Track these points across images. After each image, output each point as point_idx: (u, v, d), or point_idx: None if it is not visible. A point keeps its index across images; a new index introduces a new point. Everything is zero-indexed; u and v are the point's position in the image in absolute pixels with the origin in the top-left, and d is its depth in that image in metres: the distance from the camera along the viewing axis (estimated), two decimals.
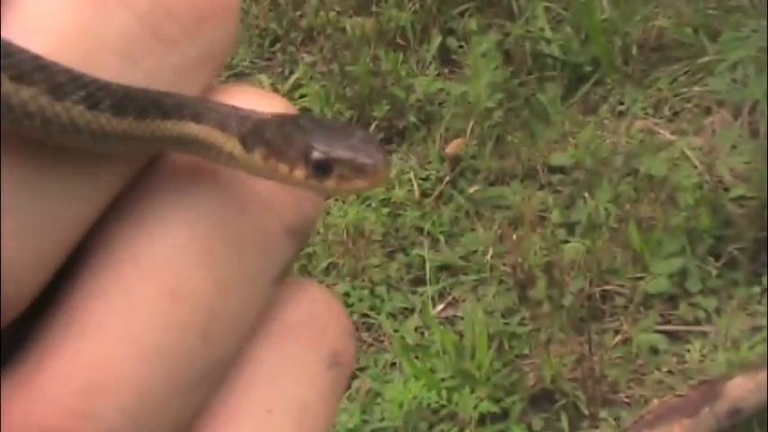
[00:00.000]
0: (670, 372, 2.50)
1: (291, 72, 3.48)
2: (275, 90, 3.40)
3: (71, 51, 0.27)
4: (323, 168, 0.28)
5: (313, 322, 0.32)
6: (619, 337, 2.57)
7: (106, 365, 0.27)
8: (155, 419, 0.28)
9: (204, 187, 0.29)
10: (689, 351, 2.51)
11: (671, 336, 2.57)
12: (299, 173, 0.29)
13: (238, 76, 3.56)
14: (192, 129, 0.28)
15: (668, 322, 2.59)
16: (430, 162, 3.08)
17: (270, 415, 0.30)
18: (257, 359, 0.31)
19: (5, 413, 0.26)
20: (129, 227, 0.28)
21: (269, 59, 3.62)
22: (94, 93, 0.27)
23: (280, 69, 3.54)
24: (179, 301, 0.28)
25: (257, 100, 0.31)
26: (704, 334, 2.55)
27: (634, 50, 3.18)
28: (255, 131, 0.28)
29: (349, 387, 2.54)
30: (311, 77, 3.41)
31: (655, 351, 2.54)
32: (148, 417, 0.27)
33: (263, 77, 3.48)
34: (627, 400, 2.46)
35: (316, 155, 0.28)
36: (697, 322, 2.58)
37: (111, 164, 0.28)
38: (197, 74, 0.29)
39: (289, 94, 3.39)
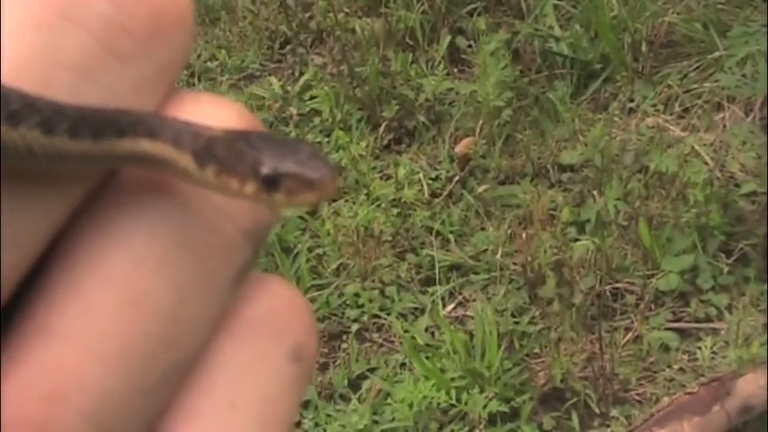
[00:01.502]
0: (681, 369, 2.49)
1: (301, 74, 3.48)
2: (285, 92, 3.41)
3: (30, 74, 0.28)
4: (271, 183, 0.29)
5: (275, 317, 0.32)
6: (629, 335, 2.56)
7: (67, 373, 0.27)
8: (117, 423, 0.28)
9: (161, 198, 0.30)
10: (700, 348, 2.50)
11: (682, 333, 2.56)
12: (250, 188, 0.29)
13: (249, 78, 3.57)
14: (146, 146, 0.29)
15: (679, 320, 2.58)
16: (440, 162, 3.08)
17: (233, 409, 0.31)
18: (219, 355, 0.31)
19: None
20: (88, 238, 0.29)
21: (279, 61, 3.62)
22: (50, 117, 0.27)
23: (290, 71, 3.55)
24: (138, 308, 0.29)
25: (211, 107, 0.31)
26: (715, 331, 2.54)
27: (644, 47, 3.17)
28: (208, 148, 0.29)
29: (359, 387, 2.55)
30: (321, 79, 3.41)
31: (666, 349, 2.53)
32: (111, 421, 0.28)
33: (272, 79, 3.49)
34: (638, 398, 2.46)
35: (264, 170, 0.29)
36: (708, 319, 2.56)
37: (69, 181, 0.29)
38: (154, 87, 0.30)
39: (299, 96, 3.40)
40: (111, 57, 0.29)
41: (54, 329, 0.28)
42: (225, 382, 0.31)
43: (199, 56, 3.67)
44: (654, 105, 3.06)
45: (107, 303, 0.28)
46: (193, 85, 3.54)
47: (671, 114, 3.04)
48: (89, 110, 0.28)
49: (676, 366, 2.49)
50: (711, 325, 2.55)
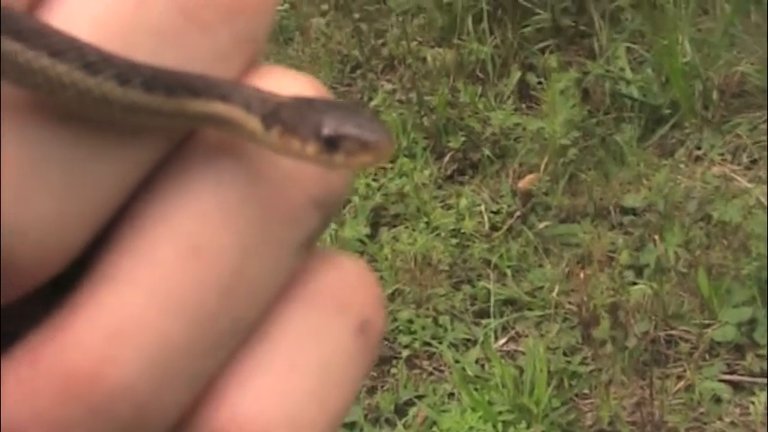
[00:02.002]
0: (732, 423, 2.46)
1: (370, 99, 3.52)
2: None
3: (113, 35, 0.29)
4: (331, 144, 0.31)
5: (342, 290, 0.33)
6: (681, 384, 2.53)
7: (131, 315, 0.29)
8: (175, 368, 0.30)
9: (232, 159, 0.31)
10: (753, 403, 2.47)
11: (735, 386, 2.53)
12: (311, 148, 0.31)
13: None
14: (218, 108, 0.31)
15: (733, 372, 2.56)
16: (502, 196, 3.09)
17: (293, 372, 0.32)
18: (283, 322, 0.32)
19: (37, 360, 0.29)
20: (160, 191, 0.30)
21: (348, 85, 3.67)
22: (125, 71, 0.29)
23: (359, 95, 3.59)
24: (203, 259, 0.30)
25: (288, 80, 0.33)
26: None
27: (714, 95, 3.16)
28: (274, 112, 0.31)
29: (405, 413, 2.55)
30: (389, 105, 3.45)
31: (718, 400, 2.50)
32: (169, 366, 0.29)
33: None
34: None
35: (325, 131, 0.31)
36: (763, 374, 2.53)
37: (148, 137, 0.30)
38: (231, 58, 0.31)
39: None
40: (193, 25, 0.30)
41: (121, 274, 0.29)
42: (286, 347, 0.32)
43: None
44: (721, 154, 3.05)
45: (171, 253, 0.30)
46: None
47: (738, 164, 3.02)
48: (164, 70, 0.30)
49: (728, 419, 2.46)
50: (766, 380, 2.52)
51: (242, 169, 0.31)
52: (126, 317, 0.29)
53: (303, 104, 0.31)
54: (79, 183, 0.29)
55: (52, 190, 0.28)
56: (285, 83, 0.32)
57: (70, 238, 0.29)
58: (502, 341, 2.73)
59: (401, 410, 2.58)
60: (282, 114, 0.31)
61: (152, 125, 0.30)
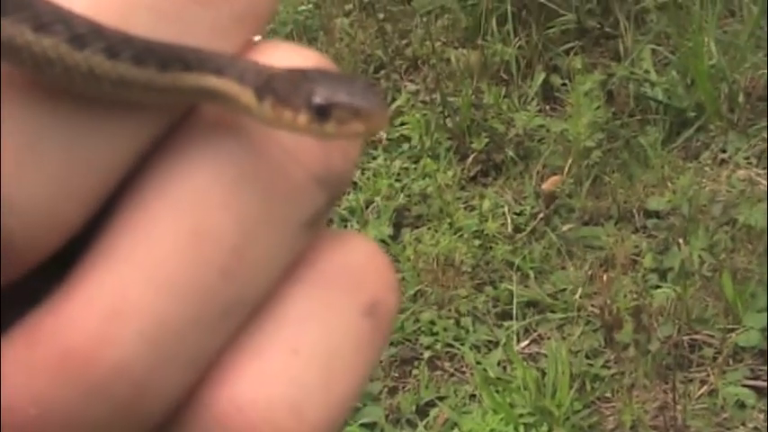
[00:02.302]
0: (756, 429, 2.45)
1: (394, 99, 3.52)
2: None
3: (110, 9, 0.29)
4: (323, 112, 0.30)
5: (350, 270, 0.32)
6: (704, 389, 2.52)
7: (129, 294, 0.29)
8: (173, 349, 0.29)
9: (232, 136, 0.31)
10: None
11: (759, 391, 2.51)
12: (302, 118, 0.30)
13: None
14: (212, 81, 0.30)
15: (757, 377, 2.54)
16: (525, 197, 3.09)
17: (296, 355, 0.31)
18: (288, 302, 0.31)
19: (35, 341, 0.28)
20: (159, 169, 0.30)
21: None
22: (115, 44, 0.28)
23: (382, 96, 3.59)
24: (202, 238, 0.29)
25: (290, 54, 0.32)
26: None
27: (740, 98, 3.14)
28: (267, 83, 0.30)
29: (426, 415, 2.55)
30: (413, 106, 3.44)
31: (741, 405, 2.49)
32: (167, 345, 0.29)
33: None
34: None
35: (316, 100, 0.30)
36: None
37: (145, 113, 0.30)
38: (231, 34, 0.31)
39: (390, 121, 3.43)
40: (192, 0, 0.30)
41: (118, 253, 0.29)
42: (290, 329, 0.31)
43: None
44: (747, 158, 3.03)
45: (170, 231, 0.29)
46: None
47: (763, 168, 3.00)
48: (158, 43, 0.29)
49: (751, 425, 2.45)
50: None
51: (241, 146, 0.30)
52: (124, 296, 0.29)
53: (296, 75, 0.30)
54: (75, 160, 0.28)
55: (49, 168, 0.28)
56: (288, 57, 0.32)
57: (68, 216, 0.29)
58: (524, 343, 2.72)
59: (422, 411, 2.58)
60: (275, 85, 0.30)
61: (146, 101, 0.30)
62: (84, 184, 0.29)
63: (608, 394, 2.55)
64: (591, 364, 2.60)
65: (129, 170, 0.30)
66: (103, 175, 0.29)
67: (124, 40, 0.29)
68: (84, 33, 0.28)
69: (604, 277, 2.73)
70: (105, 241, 0.29)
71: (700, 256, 2.72)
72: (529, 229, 2.98)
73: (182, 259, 0.29)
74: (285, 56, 0.32)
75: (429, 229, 3.03)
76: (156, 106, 0.30)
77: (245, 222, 0.30)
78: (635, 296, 2.68)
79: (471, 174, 3.20)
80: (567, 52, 3.43)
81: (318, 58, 0.32)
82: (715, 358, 2.57)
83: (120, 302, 0.28)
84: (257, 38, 0.33)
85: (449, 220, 3.01)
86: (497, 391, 2.52)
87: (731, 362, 2.57)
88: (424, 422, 2.55)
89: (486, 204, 3.03)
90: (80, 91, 0.29)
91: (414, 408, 2.58)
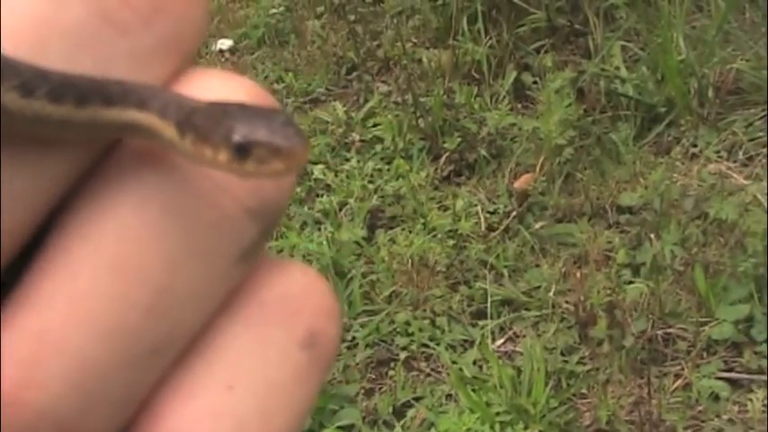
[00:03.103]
0: (731, 420, 2.46)
1: (366, 101, 3.52)
2: (349, 118, 3.45)
3: (23, 40, 0.28)
4: (242, 151, 0.29)
5: (287, 301, 0.31)
6: (679, 382, 2.53)
7: (49, 337, 0.28)
8: (100, 390, 0.28)
9: (157, 170, 0.30)
10: (751, 400, 2.47)
11: (733, 383, 2.53)
12: (222, 156, 0.29)
13: (314, 101, 3.62)
14: (134, 116, 0.29)
15: (731, 370, 2.55)
16: (498, 196, 3.09)
17: (231, 392, 0.30)
18: (223, 337, 0.31)
19: None
20: (82, 205, 0.29)
21: (345, 87, 3.67)
22: (30, 80, 0.28)
23: (355, 97, 3.59)
24: (123, 276, 0.29)
25: (220, 83, 0.31)
26: None
27: (710, 93, 3.16)
28: (189, 118, 0.29)
29: (403, 416, 2.55)
30: (385, 107, 3.45)
31: (716, 398, 2.50)
32: (93, 387, 0.28)
33: (337, 104, 3.53)
34: None
35: (235, 138, 0.29)
36: (761, 371, 2.53)
37: (65, 150, 0.29)
38: (154, 62, 0.30)
39: (362, 122, 3.43)
40: (109, 27, 0.29)
41: (39, 294, 0.28)
42: (224, 364, 0.30)
43: (266, 77, 3.73)
44: (717, 152, 3.04)
45: (91, 270, 0.28)
46: None
47: (734, 162, 3.02)
48: (76, 77, 0.28)
49: (726, 417, 2.46)
50: (764, 377, 2.52)
51: (167, 180, 0.30)
52: (44, 340, 0.28)
53: (217, 109, 0.30)
54: None
55: None
56: (216, 86, 0.31)
57: None
58: (499, 342, 2.73)
59: (399, 412, 2.58)
60: (196, 121, 0.29)
61: (65, 137, 0.29)
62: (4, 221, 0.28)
63: (584, 390, 2.56)
64: (566, 361, 2.60)
65: (51, 208, 0.29)
66: (18, 216, 0.28)
67: (40, 75, 0.28)
68: None
69: (578, 274, 2.74)
70: (27, 283, 0.29)
71: (672, 251, 2.73)
72: (502, 227, 2.99)
73: (104, 299, 0.28)
74: (212, 85, 0.31)
75: (403, 229, 3.03)
76: (77, 142, 0.29)
77: (171, 258, 0.29)
78: (608, 292, 2.69)
79: (444, 174, 3.20)
80: (537, 50, 3.44)
81: (247, 85, 0.31)
82: (689, 352, 2.58)
83: (40, 347, 0.28)
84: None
85: (422, 221, 3.01)
86: (474, 390, 2.52)
87: (705, 355, 2.58)
88: (402, 423, 2.55)
89: (460, 204, 3.04)
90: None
91: (391, 409, 2.58)
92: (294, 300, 0.32)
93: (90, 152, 0.30)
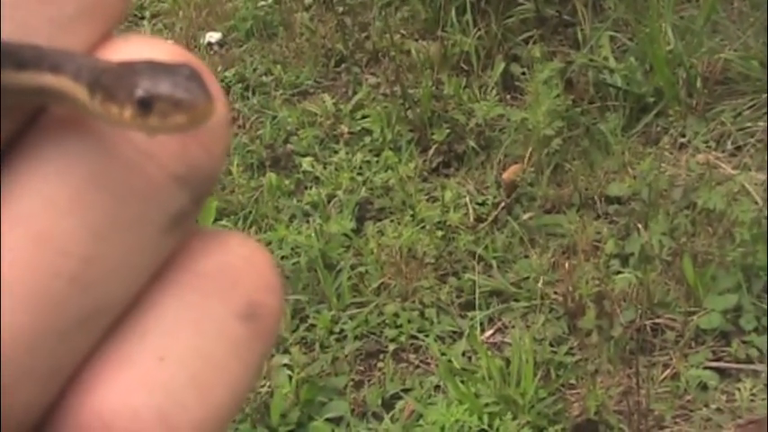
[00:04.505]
0: (719, 409, 2.46)
1: (355, 92, 3.51)
2: (338, 110, 3.44)
3: None
4: (145, 106, 0.28)
5: (224, 272, 0.31)
6: (668, 372, 2.53)
7: None
8: (26, 363, 0.28)
9: (77, 138, 0.29)
10: (739, 389, 2.47)
11: (721, 373, 2.53)
12: (127, 113, 0.28)
13: (302, 94, 3.61)
14: (47, 79, 0.29)
15: (719, 359, 2.56)
16: (487, 187, 3.09)
17: (162, 363, 0.29)
18: (155, 308, 0.30)
19: None
20: (4, 177, 0.29)
21: (333, 79, 3.66)
22: None
23: (343, 89, 3.58)
24: (45, 246, 0.28)
25: (141, 47, 0.31)
26: (756, 373, 2.51)
27: (698, 83, 3.15)
28: (99, 78, 0.29)
29: (392, 407, 2.55)
30: (374, 99, 3.44)
31: (704, 387, 2.50)
32: (18, 360, 0.28)
33: (326, 97, 3.52)
34: None
35: (138, 93, 0.28)
36: (749, 360, 2.53)
37: None
38: (77, 29, 0.29)
39: (351, 114, 3.42)
40: None
41: None
42: (157, 335, 0.30)
43: (254, 70, 3.72)
44: (706, 142, 3.04)
45: (15, 241, 0.28)
46: (247, 98, 3.59)
47: (722, 152, 3.02)
48: None
49: (714, 406, 2.47)
50: (752, 366, 2.52)
51: (90, 147, 0.29)
52: None
53: (125, 68, 0.29)
54: None
55: None
56: (139, 51, 0.30)
57: None
58: (488, 333, 2.72)
59: (388, 404, 2.58)
60: (104, 80, 0.29)
61: None
62: None
63: (572, 381, 2.56)
64: (555, 352, 2.60)
65: None
66: None
67: None
68: None
69: (567, 264, 2.74)
70: None
71: (660, 241, 2.73)
72: (491, 218, 2.98)
73: (27, 269, 0.28)
74: (139, 50, 0.30)
75: (392, 221, 3.02)
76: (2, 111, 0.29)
77: (95, 227, 0.29)
78: (597, 282, 2.69)
79: (433, 165, 3.20)
80: (526, 41, 3.44)
81: (172, 50, 0.31)
82: (677, 341, 2.58)
83: None
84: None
85: (411, 212, 3.01)
86: (462, 382, 2.52)
87: (693, 345, 2.58)
88: (390, 414, 2.54)
89: (448, 195, 3.03)
90: None
91: (379, 401, 2.58)
92: (232, 271, 0.31)
93: (10, 120, 0.29)
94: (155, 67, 0.29)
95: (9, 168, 0.29)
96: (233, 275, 0.31)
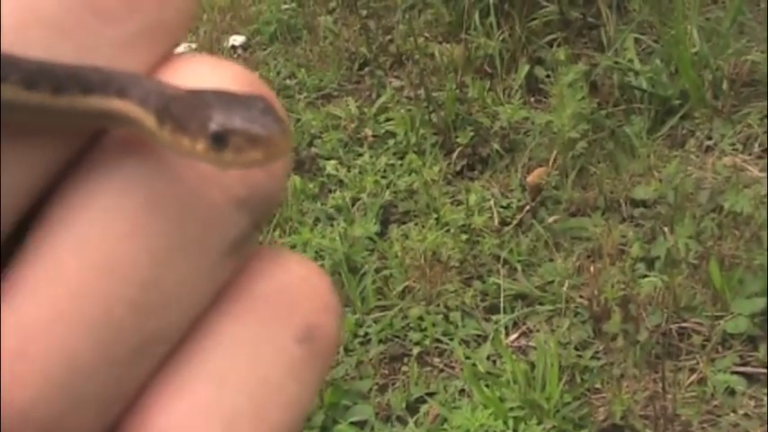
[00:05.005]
0: (746, 415, 2.44)
1: (378, 96, 3.51)
2: (361, 113, 3.44)
3: (1, 28, 0.27)
4: (219, 140, 0.28)
5: (282, 294, 0.31)
6: (694, 377, 2.52)
7: (31, 333, 0.27)
8: (85, 389, 0.28)
9: (140, 161, 0.29)
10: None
11: (749, 378, 2.51)
12: (200, 146, 0.28)
13: (326, 97, 3.62)
14: (114, 104, 0.29)
15: (747, 364, 2.53)
16: (511, 190, 3.08)
17: (222, 388, 0.29)
18: (214, 332, 0.30)
19: None
20: (66, 199, 0.28)
21: (357, 83, 3.66)
22: (2, 68, 0.27)
23: (367, 93, 3.58)
24: (108, 272, 0.28)
25: (205, 69, 0.30)
26: None
27: (724, 85, 3.13)
28: (168, 106, 0.29)
29: (417, 411, 2.55)
30: (398, 102, 3.44)
31: (731, 393, 2.48)
32: (80, 386, 0.28)
33: (350, 100, 3.53)
34: None
35: (212, 127, 0.28)
36: None
37: (48, 139, 0.28)
38: (139, 49, 0.29)
39: (374, 118, 3.43)
40: (91, 13, 0.28)
41: (24, 288, 0.28)
42: (216, 360, 0.29)
43: (278, 73, 3.73)
44: (732, 144, 3.02)
45: (76, 266, 0.28)
46: None
47: (749, 154, 2.99)
48: (53, 64, 0.28)
49: (741, 411, 2.44)
50: None
51: (152, 170, 0.29)
52: (25, 336, 0.27)
53: (196, 97, 0.29)
54: None
55: None
56: (202, 72, 0.30)
57: None
58: (513, 337, 2.71)
59: (412, 408, 2.57)
60: (174, 109, 0.28)
61: (42, 127, 0.28)
62: None
63: (597, 385, 2.54)
64: (580, 356, 2.59)
65: (33, 199, 0.28)
66: (4, 204, 0.27)
67: (13, 62, 0.27)
68: None
69: (592, 268, 2.72)
70: (11, 278, 0.28)
71: (686, 245, 2.71)
72: (516, 221, 2.97)
73: (88, 294, 0.28)
74: (201, 71, 0.30)
75: (416, 224, 3.02)
76: (57, 131, 0.28)
77: (156, 252, 0.28)
78: (623, 286, 2.67)
79: (457, 168, 3.19)
80: (550, 44, 3.42)
81: (237, 69, 0.30)
82: (704, 346, 2.56)
83: (23, 343, 0.27)
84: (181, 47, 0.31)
85: (435, 216, 3.00)
86: (487, 386, 2.51)
87: (720, 349, 2.56)
88: (415, 418, 2.54)
89: (473, 198, 3.02)
90: None
91: (404, 404, 2.58)
92: (290, 292, 0.31)
93: (72, 142, 0.29)
94: (227, 99, 0.29)
95: (69, 191, 0.28)
96: (291, 297, 0.31)
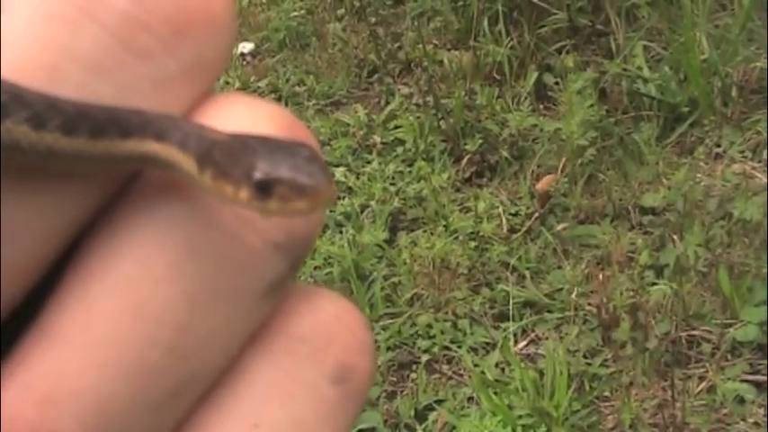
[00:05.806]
0: (756, 424, 2.43)
1: (387, 103, 3.52)
2: (370, 120, 3.44)
3: (37, 68, 0.27)
4: (264, 189, 0.28)
5: (316, 334, 0.30)
6: (703, 385, 2.51)
7: (64, 377, 0.27)
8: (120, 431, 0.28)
9: (177, 203, 0.29)
10: None
11: (758, 386, 2.50)
12: (244, 193, 0.28)
13: (335, 104, 3.62)
14: (153, 148, 0.28)
15: (756, 372, 2.53)
16: (520, 198, 3.08)
17: (257, 430, 0.29)
18: (249, 374, 0.30)
19: None
20: (101, 242, 0.28)
21: (366, 90, 3.67)
22: (42, 112, 0.26)
23: (376, 100, 3.59)
24: (143, 315, 0.28)
25: (245, 110, 0.30)
26: None
27: (733, 92, 3.13)
28: (209, 151, 0.28)
29: (425, 419, 2.55)
30: (406, 109, 3.44)
31: (741, 401, 2.47)
32: (111, 430, 0.27)
33: (358, 107, 3.53)
34: None
35: (257, 175, 0.28)
36: None
37: (84, 182, 0.28)
38: (177, 89, 0.29)
39: (383, 125, 3.43)
40: (129, 52, 0.27)
41: (56, 332, 0.27)
42: (250, 402, 0.29)
43: (287, 80, 3.74)
44: (741, 152, 3.02)
45: (110, 309, 0.27)
46: None
47: (758, 161, 2.99)
48: (91, 107, 0.27)
49: (751, 420, 2.44)
50: None
51: (189, 214, 0.28)
52: (58, 380, 0.27)
53: (239, 143, 0.28)
54: (4, 235, 0.26)
55: None
56: (241, 112, 0.30)
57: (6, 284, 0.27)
58: (522, 344, 2.71)
59: (421, 416, 2.57)
60: (215, 155, 0.28)
61: (81, 171, 0.28)
62: (12, 260, 0.27)
63: (606, 393, 2.54)
64: (589, 364, 2.59)
65: (70, 242, 0.28)
66: (34, 250, 0.27)
67: (52, 105, 0.26)
68: (6, 102, 0.26)
69: (601, 276, 2.72)
70: (44, 321, 0.28)
71: (695, 252, 2.70)
72: (524, 229, 2.97)
73: (123, 338, 0.27)
74: (241, 111, 0.30)
75: (425, 231, 3.02)
76: (94, 175, 0.28)
77: (193, 296, 0.28)
78: (632, 294, 2.67)
79: (466, 175, 3.19)
80: (559, 51, 3.42)
81: (276, 111, 0.30)
82: (713, 354, 2.56)
83: (55, 387, 0.27)
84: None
85: (444, 223, 3.01)
86: (495, 393, 2.51)
87: (729, 357, 2.56)
88: (423, 426, 2.54)
89: (482, 206, 3.02)
90: (6, 163, 0.26)
91: (412, 412, 2.57)
92: (324, 332, 0.31)
93: (109, 185, 0.29)
94: (272, 146, 0.29)
95: (105, 234, 0.28)
96: (325, 337, 0.30)
